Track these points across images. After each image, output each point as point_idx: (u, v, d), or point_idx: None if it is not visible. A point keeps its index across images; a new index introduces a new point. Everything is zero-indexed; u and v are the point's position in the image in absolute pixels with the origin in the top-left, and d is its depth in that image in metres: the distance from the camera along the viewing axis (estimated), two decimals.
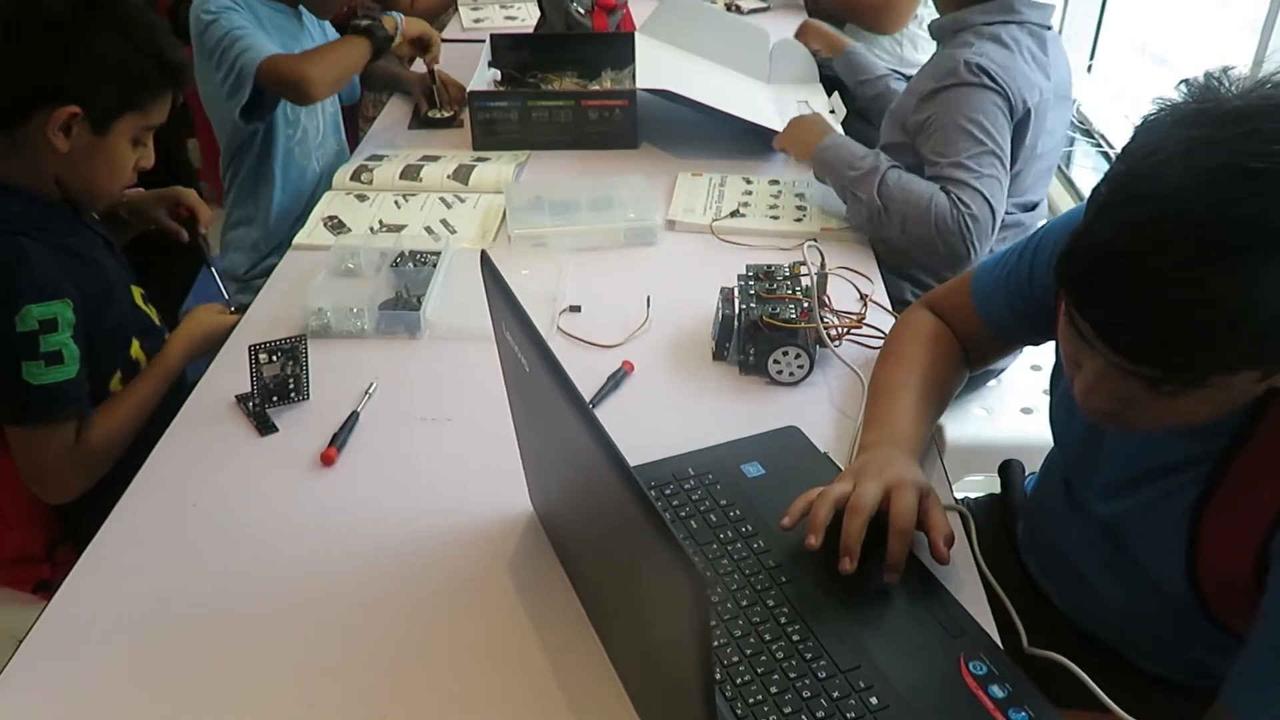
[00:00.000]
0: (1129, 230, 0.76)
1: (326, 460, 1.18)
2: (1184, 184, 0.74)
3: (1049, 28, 1.67)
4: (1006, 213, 1.65)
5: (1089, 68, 3.76)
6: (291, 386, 1.26)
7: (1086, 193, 0.87)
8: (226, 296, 1.62)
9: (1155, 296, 0.75)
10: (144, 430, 1.35)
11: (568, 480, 0.89)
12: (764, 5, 2.71)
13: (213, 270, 1.67)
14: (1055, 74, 1.68)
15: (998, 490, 1.37)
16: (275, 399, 1.26)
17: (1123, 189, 0.78)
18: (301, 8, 1.95)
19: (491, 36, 2.20)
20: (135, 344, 1.42)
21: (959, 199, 1.50)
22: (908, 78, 2.01)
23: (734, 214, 1.69)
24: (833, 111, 2.03)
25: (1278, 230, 0.71)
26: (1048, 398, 1.17)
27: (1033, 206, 1.79)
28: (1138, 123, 0.82)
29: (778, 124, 1.92)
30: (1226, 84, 0.78)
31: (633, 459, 1.11)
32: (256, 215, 1.98)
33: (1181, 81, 0.82)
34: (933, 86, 1.62)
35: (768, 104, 2.04)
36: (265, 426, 1.24)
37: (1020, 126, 1.61)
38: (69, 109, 1.25)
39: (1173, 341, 0.77)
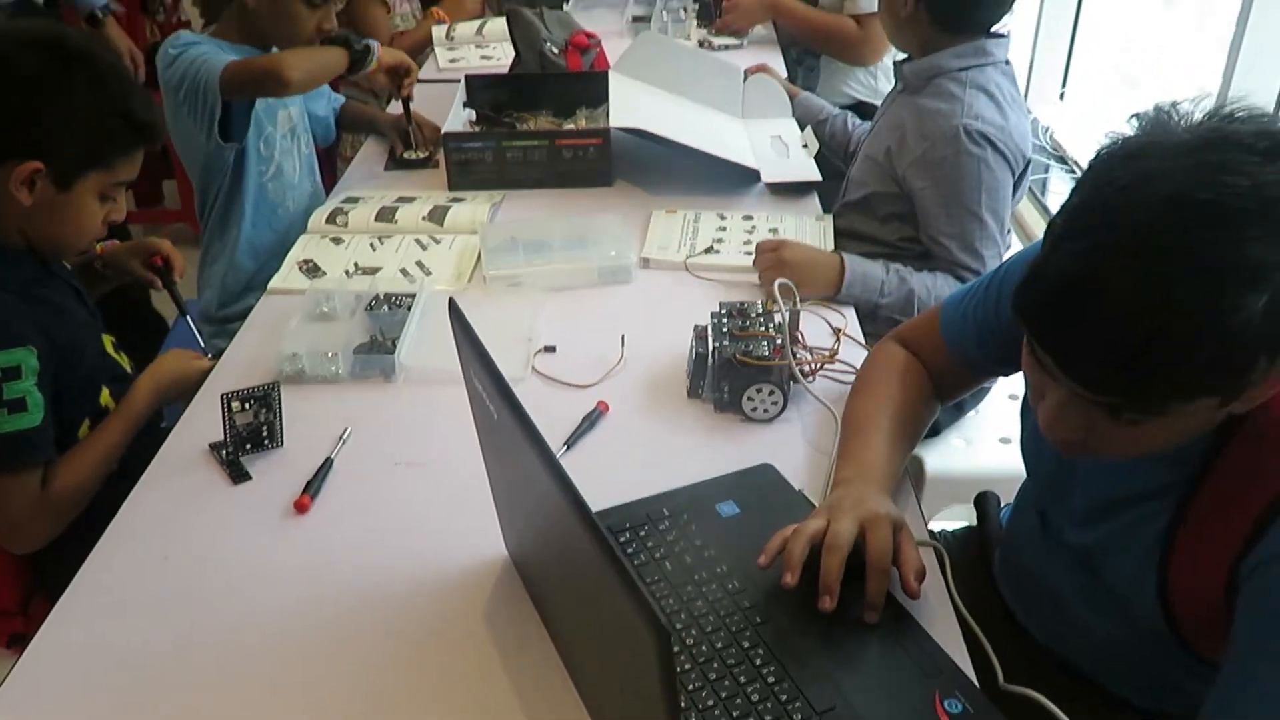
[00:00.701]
0: (1083, 261, 0.78)
1: (300, 508, 1.17)
2: (1135, 215, 0.76)
3: (1009, 62, 1.70)
4: None
5: (1061, 95, 3.81)
6: (265, 434, 1.26)
7: None
8: (202, 344, 1.61)
9: (1110, 326, 0.77)
10: (118, 479, 1.34)
11: (537, 526, 0.89)
12: (737, 43, 2.73)
13: (187, 318, 1.67)
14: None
15: (974, 522, 1.37)
16: (248, 447, 1.25)
17: (1076, 221, 0.80)
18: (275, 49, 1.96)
19: (466, 77, 2.22)
20: (105, 392, 1.42)
21: None
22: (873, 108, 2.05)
23: (708, 250, 1.70)
24: (805, 145, 2.04)
25: (1228, 260, 0.73)
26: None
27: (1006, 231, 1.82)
28: (1095, 154, 0.84)
29: (751, 159, 1.94)
30: (1176, 117, 0.80)
31: (608, 500, 1.13)
32: (225, 252, 1.98)
33: (1133, 115, 0.84)
34: (927, 150, 1.63)
35: (742, 139, 2.06)
36: (238, 475, 1.23)
37: (1019, 179, 1.65)
38: (31, 165, 1.25)
39: (1129, 370, 0.78)
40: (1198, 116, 0.80)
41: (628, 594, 0.62)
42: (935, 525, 1.47)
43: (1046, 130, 3.61)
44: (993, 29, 1.69)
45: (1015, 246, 1.87)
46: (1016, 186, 1.67)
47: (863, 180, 1.80)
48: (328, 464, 1.24)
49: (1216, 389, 0.79)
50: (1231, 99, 0.81)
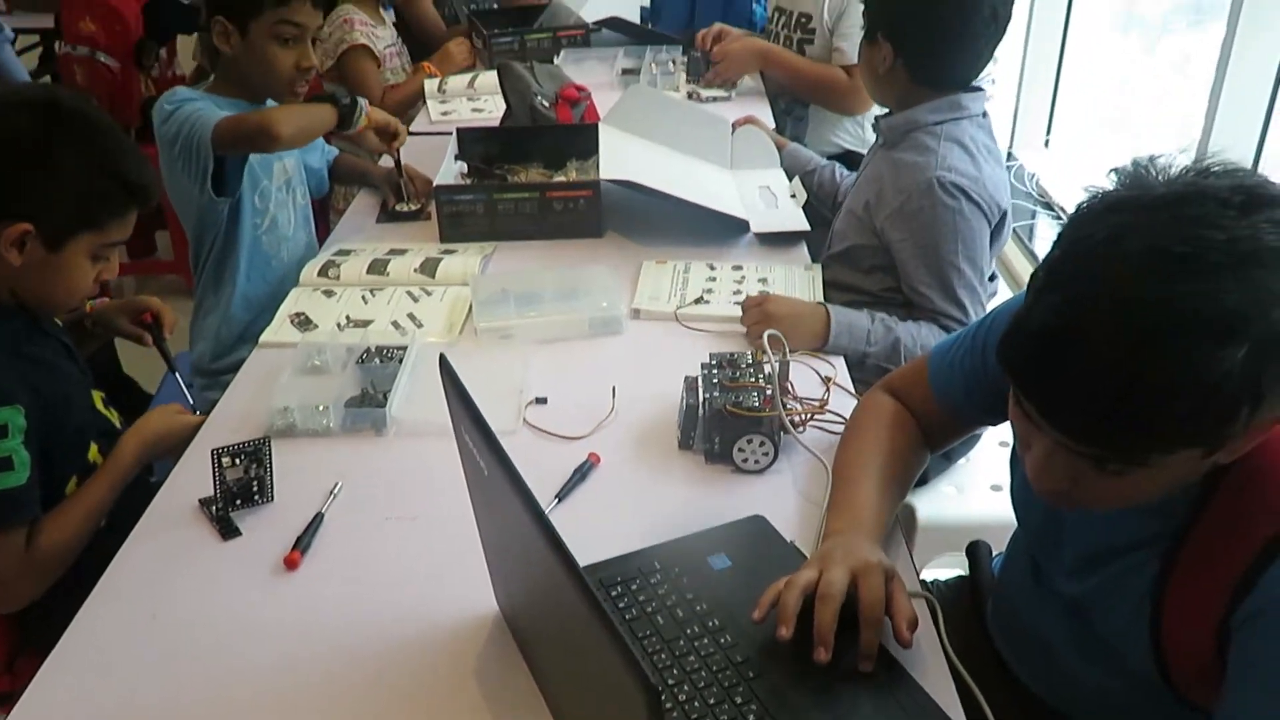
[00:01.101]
0: (1064, 313, 0.79)
1: (290, 564, 1.17)
2: (1114, 268, 0.77)
3: (985, 114, 1.73)
4: None
5: (1046, 142, 3.86)
6: (255, 489, 1.26)
7: None
8: (190, 401, 1.61)
9: (1091, 377, 0.78)
10: (106, 534, 1.33)
11: (528, 582, 0.89)
12: (725, 95, 2.77)
13: (176, 375, 1.67)
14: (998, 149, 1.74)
15: (966, 572, 1.37)
16: (239, 502, 1.25)
17: (1057, 273, 0.82)
18: (270, 101, 1.98)
19: (458, 130, 2.24)
20: (94, 448, 1.41)
21: None
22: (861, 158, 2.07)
23: (698, 301, 1.71)
24: (794, 196, 2.07)
25: (1205, 312, 0.74)
26: None
27: (993, 277, 1.84)
28: (1075, 208, 0.86)
29: (740, 210, 1.96)
30: (1154, 172, 0.83)
31: (599, 553, 1.13)
32: (219, 304, 1.99)
33: (1111, 170, 0.86)
34: (904, 202, 1.66)
35: (731, 189, 2.08)
36: (228, 531, 1.23)
37: (996, 230, 1.67)
38: (21, 226, 1.25)
39: (1111, 421, 0.79)
40: (1175, 171, 0.82)
41: (617, 651, 0.63)
42: (927, 574, 1.47)
43: (1032, 177, 3.66)
44: (969, 84, 1.72)
45: (1003, 292, 1.89)
46: (994, 236, 1.69)
47: (845, 233, 1.83)
48: (318, 519, 1.24)
49: (1199, 440, 0.80)
50: (1209, 153, 0.83)
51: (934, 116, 1.69)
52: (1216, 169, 0.81)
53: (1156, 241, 0.76)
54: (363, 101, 1.95)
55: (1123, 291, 0.76)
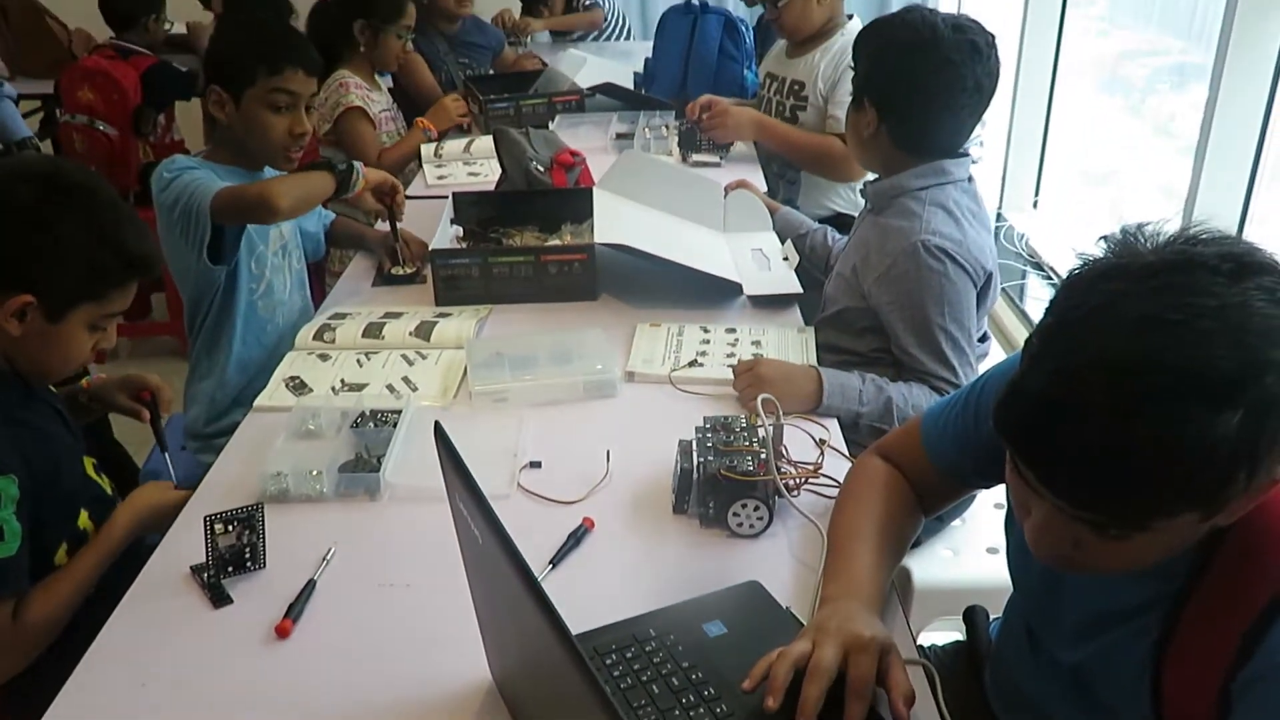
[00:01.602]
0: (1058, 381, 0.80)
1: (281, 633, 1.16)
2: (1107, 335, 0.78)
3: (971, 179, 1.76)
4: None
5: (1035, 203, 3.92)
6: (248, 556, 1.25)
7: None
8: (174, 477, 1.60)
9: (1087, 443, 0.78)
10: (96, 602, 1.32)
11: (522, 652, 0.89)
12: (716, 161, 2.81)
13: (165, 455, 1.67)
14: (985, 212, 1.77)
15: (964, 637, 1.36)
16: (231, 569, 1.24)
17: (1051, 341, 0.83)
18: (267, 168, 2.01)
19: (454, 194, 2.26)
20: (84, 514, 1.41)
21: None
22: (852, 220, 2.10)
23: (692, 364, 1.72)
24: (786, 259, 2.09)
25: (1200, 377, 0.75)
26: None
27: (984, 338, 1.85)
28: (1064, 276, 0.87)
29: (733, 272, 1.98)
30: (1142, 239, 0.84)
31: (594, 619, 1.12)
32: (214, 369, 1.99)
33: (1101, 237, 0.87)
34: (890, 266, 1.68)
35: (724, 252, 2.10)
36: (220, 598, 1.22)
37: (982, 292, 1.69)
38: (23, 298, 1.26)
39: (1109, 486, 0.79)
40: (1163, 239, 0.84)
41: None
42: (925, 639, 1.46)
43: (1022, 237, 3.71)
44: (955, 151, 1.74)
45: (995, 352, 1.90)
46: (981, 297, 1.71)
47: (836, 296, 1.85)
48: (310, 585, 1.23)
49: (1198, 504, 0.80)
50: (1196, 220, 0.85)
51: (919, 182, 1.71)
52: (1204, 237, 0.82)
53: (1149, 309, 0.78)
54: (358, 165, 1.97)
55: (1116, 358, 0.77)
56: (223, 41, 1.95)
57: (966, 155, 1.75)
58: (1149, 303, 0.78)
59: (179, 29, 4.42)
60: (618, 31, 4.70)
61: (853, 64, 1.81)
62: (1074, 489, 0.82)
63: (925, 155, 1.72)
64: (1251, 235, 2.22)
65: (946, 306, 1.64)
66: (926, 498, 1.26)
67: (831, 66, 2.63)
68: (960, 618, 1.39)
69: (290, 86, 1.88)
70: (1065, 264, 3.45)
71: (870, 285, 1.73)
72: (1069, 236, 3.62)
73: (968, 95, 1.68)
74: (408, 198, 2.24)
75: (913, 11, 1.71)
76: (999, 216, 3.88)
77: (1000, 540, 1.81)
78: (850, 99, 1.82)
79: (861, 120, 1.77)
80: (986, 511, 1.90)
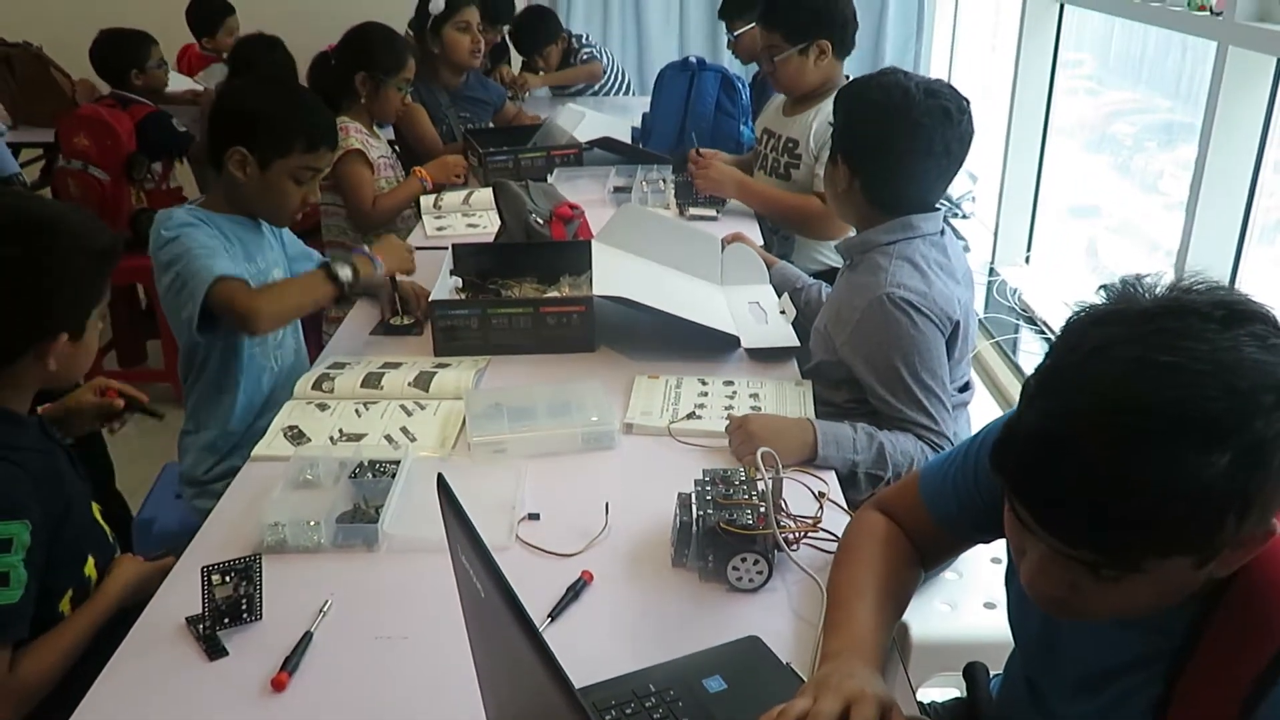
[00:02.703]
0: (1055, 419, 0.83)
1: (277, 686, 1.15)
2: (1101, 376, 0.81)
3: (943, 232, 1.78)
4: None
5: (1027, 258, 3.96)
6: (244, 607, 1.24)
7: None
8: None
9: (1081, 481, 0.80)
10: (90, 654, 1.31)
11: (523, 707, 0.88)
12: (713, 215, 2.84)
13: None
14: (958, 264, 1.79)
15: (964, 693, 1.35)
16: (227, 621, 1.23)
17: (1047, 382, 0.86)
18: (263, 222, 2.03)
19: (454, 245, 2.28)
20: (90, 562, 1.40)
21: (935, 444, 1.64)
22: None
23: (690, 416, 1.72)
24: (783, 312, 2.10)
25: (1190, 418, 0.77)
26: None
27: (966, 386, 1.86)
28: (1066, 320, 0.89)
29: (731, 325, 1.99)
30: (1141, 288, 0.86)
31: (593, 674, 1.11)
32: (215, 419, 1.99)
33: (1100, 287, 0.90)
34: (858, 321, 1.70)
35: (721, 305, 2.12)
36: (215, 650, 1.21)
37: (950, 341, 1.70)
38: (59, 340, 1.33)
39: (1101, 524, 0.81)
40: (1160, 289, 0.86)
41: None
42: (924, 695, 1.45)
43: (1014, 292, 3.74)
44: (927, 208, 1.76)
45: (982, 400, 1.91)
46: (951, 345, 1.72)
47: (814, 350, 1.88)
48: (307, 638, 1.22)
49: (1189, 547, 0.81)
50: (1190, 272, 0.87)
51: (887, 237, 1.74)
52: (1199, 286, 0.85)
53: (1142, 351, 0.80)
54: (377, 264, 2.01)
55: (1109, 398, 0.80)
56: (256, 106, 1.92)
57: (937, 210, 1.78)
58: (1142, 346, 0.80)
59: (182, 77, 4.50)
60: (617, 86, 4.77)
61: (831, 121, 1.85)
62: (1067, 527, 0.84)
63: (896, 211, 1.75)
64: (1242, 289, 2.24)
65: (915, 356, 1.65)
66: (926, 552, 1.26)
67: (824, 126, 2.67)
68: (960, 674, 1.38)
69: (318, 164, 1.94)
70: (1057, 318, 3.48)
71: (841, 340, 1.75)
72: (1061, 291, 3.66)
73: (936, 159, 1.71)
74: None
75: (889, 75, 1.74)
76: (991, 271, 3.91)
77: (997, 595, 1.82)
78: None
79: (836, 175, 1.81)
80: (983, 566, 1.89)
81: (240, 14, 4.69)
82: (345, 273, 1.92)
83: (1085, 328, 0.86)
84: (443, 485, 0.92)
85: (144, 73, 3.75)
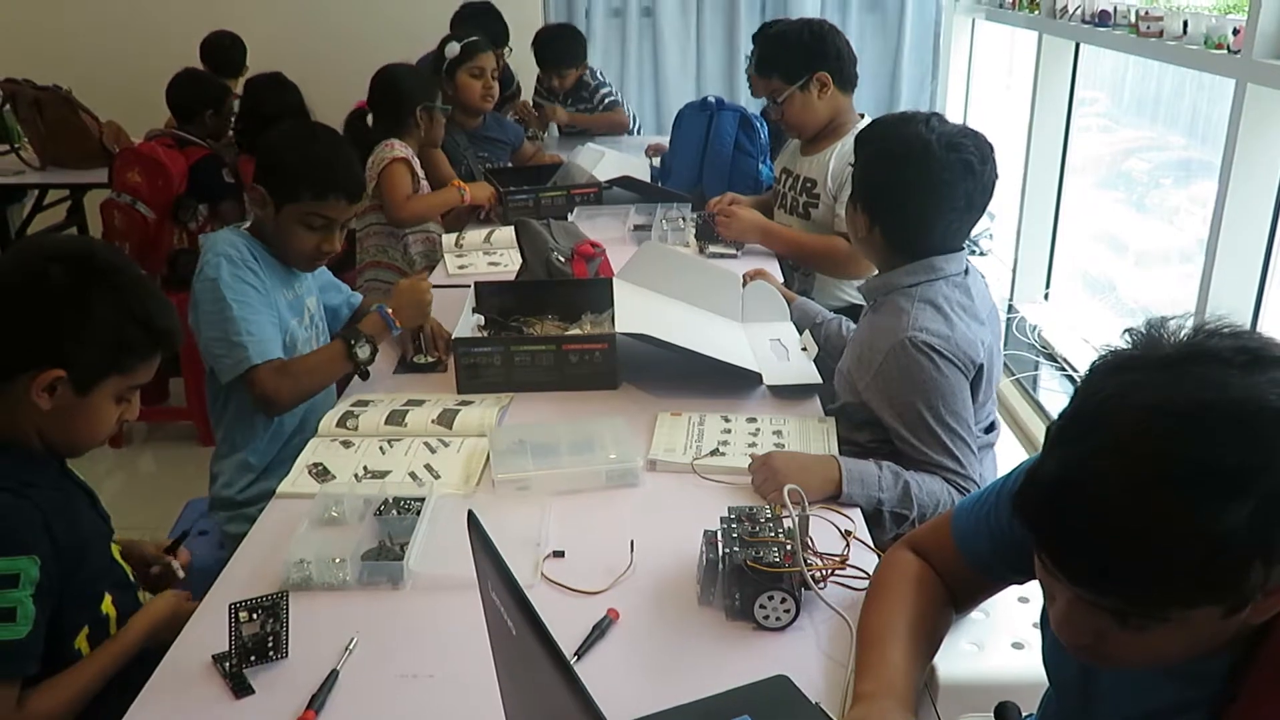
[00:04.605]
0: (1072, 467, 0.83)
1: None
2: (1120, 425, 0.81)
3: (966, 272, 1.77)
4: None
5: (1046, 295, 3.95)
6: (270, 645, 1.24)
7: (1053, 413, 0.95)
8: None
9: (1100, 530, 0.80)
10: (119, 691, 1.30)
11: None
12: (733, 253, 2.85)
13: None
14: (981, 303, 1.78)
15: None
16: (253, 658, 1.23)
17: (1068, 428, 0.86)
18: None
19: (476, 284, 2.30)
20: (107, 599, 1.40)
21: (961, 488, 1.63)
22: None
23: (713, 453, 1.72)
24: (804, 349, 2.10)
25: (1208, 469, 0.77)
26: (1038, 631, 1.16)
27: (991, 427, 1.85)
28: (1089, 366, 0.89)
29: (752, 362, 1.99)
30: (1165, 333, 0.86)
31: (621, 713, 1.11)
32: (248, 439, 2.02)
33: (1125, 331, 0.90)
34: (881, 365, 1.69)
35: (743, 343, 2.12)
36: (241, 688, 1.21)
37: (974, 384, 1.69)
38: (54, 372, 1.29)
39: (1118, 573, 0.81)
40: (1184, 333, 0.86)
41: None
42: None
43: (1034, 329, 3.73)
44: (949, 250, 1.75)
45: (1007, 441, 1.90)
46: (975, 388, 1.71)
47: (838, 391, 1.87)
48: (333, 676, 1.22)
49: (1215, 596, 0.81)
50: (1212, 316, 0.87)
51: (909, 279, 1.74)
52: (1224, 330, 0.85)
53: (1161, 400, 0.80)
54: (373, 322, 2.03)
55: (1127, 447, 0.79)
56: (273, 148, 2.01)
57: (960, 250, 1.78)
58: (1161, 394, 0.80)
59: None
60: (631, 127, 4.78)
61: (850, 163, 1.85)
62: (1088, 575, 0.83)
63: (918, 254, 1.74)
64: (1265, 329, 2.24)
65: (939, 400, 1.65)
66: (958, 593, 1.25)
67: (842, 165, 2.68)
68: (991, 714, 1.36)
69: (328, 213, 1.97)
70: (1076, 354, 3.47)
71: (864, 384, 1.74)
72: (1081, 328, 3.65)
73: (958, 211, 1.71)
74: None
75: (909, 124, 1.72)
76: (1010, 308, 3.91)
77: (1025, 635, 1.80)
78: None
79: (857, 221, 1.81)
80: (1011, 605, 1.87)
81: (250, 57, 4.64)
82: (364, 353, 1.97)
83: (1106, 374, 0.86)
84: (473, 521, 0.92)
85: (218, 115, 3.81)
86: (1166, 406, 0.79)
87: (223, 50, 4.53)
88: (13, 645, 1.23)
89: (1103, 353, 0.89)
